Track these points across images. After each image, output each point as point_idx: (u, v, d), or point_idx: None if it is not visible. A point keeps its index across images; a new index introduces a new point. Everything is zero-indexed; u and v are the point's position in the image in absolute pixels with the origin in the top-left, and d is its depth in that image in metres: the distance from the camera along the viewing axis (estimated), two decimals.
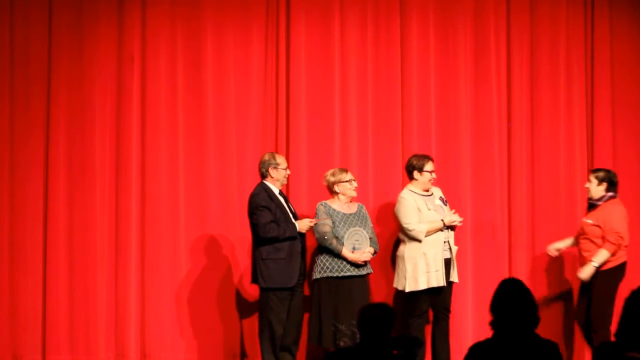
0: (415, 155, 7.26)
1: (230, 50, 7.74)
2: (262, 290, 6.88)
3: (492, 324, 4.16)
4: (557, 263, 7.95)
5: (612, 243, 6.92)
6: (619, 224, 6.97)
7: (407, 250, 7.09)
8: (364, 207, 7.28)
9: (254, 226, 6.87)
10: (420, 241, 7.01)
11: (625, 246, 7.05)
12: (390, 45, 7.89)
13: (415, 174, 7.15)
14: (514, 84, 8.02)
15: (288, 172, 7.05)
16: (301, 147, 7.71)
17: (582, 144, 8.06)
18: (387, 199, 7.77)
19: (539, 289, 7.92)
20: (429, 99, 7.91)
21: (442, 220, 7.06)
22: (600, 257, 6.92)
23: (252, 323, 7.59)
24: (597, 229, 7.00)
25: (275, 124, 7.77)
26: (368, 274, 7.14)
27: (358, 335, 6.78)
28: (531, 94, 8.02)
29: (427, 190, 7.22)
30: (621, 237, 6.95)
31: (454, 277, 7.14)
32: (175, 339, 7.55)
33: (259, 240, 6.84)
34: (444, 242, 7.07)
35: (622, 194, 8.04)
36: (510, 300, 4.14)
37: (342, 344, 6.89)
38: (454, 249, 7.16)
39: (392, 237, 7.71)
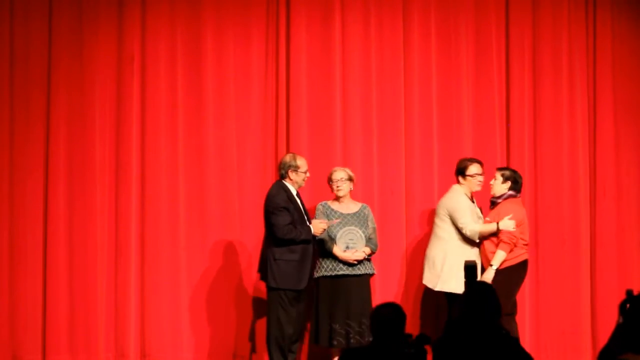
0: (462, 159, 7.22)
1: (230, 50, 7.73)
2: (272, 289, 6.83)
3: (455, 322, 4.26)
4: (560, 263, 7.95)
5: (506, 242, 6.85)
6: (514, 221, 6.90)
7: (448, 251, 7.04)
8: (368, 207, 7.25)
9: (271, 226, 6.80)
10: (474, 242, 7.01)
11: (526, 244, 6.99)
12: (392, 43, 7.87)
13: (460, 178, 7.13)
14: (516, 83, 8.01)
15: (308, 175, 6.97)
16: (302, 147, 7.68)
17: (584, 142, 8.04)
18: (393, 198, 7.77)
19: (542, 289, 7.91)
20: (431, 98, 7.90)
21: (497, 223, 6.97)
22: (497, 259, 6.86)
23: (251, 323, 7.59)
24: None
25: (276, 124, 7.76)
26: (368, 274, 7.11)
27: (352, 335, 6.86)
28: (533, 93, 8.01)
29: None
30: (514, 236, 6.87)
31: None
32: (175, 339, 7.55)
33: (275, 240, 6.79)
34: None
35: (624, 194, 8.05)
36: (477, 304, 4.22)
37: (335, 343, 6.88)
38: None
39: (396, 237, 7.70)
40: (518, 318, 7.85)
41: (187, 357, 7.54)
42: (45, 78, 7.56)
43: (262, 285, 7.43)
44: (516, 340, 4.25)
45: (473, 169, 7.10)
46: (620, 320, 4.15)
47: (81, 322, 7.46)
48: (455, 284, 6.93)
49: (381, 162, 7.82)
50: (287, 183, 6.89)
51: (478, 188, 7.15)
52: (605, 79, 8.08)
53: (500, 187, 7.04)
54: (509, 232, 6.86)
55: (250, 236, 7.61)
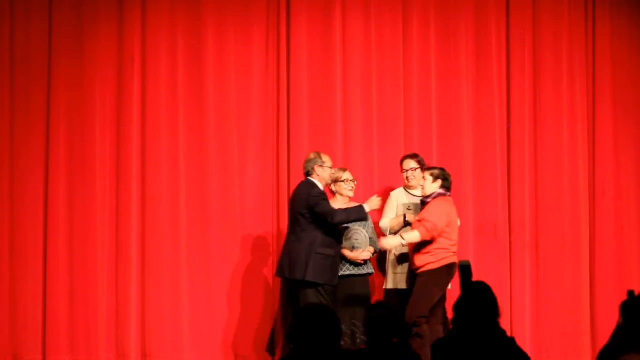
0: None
1: (231, 48, 7.73)
2: (309, 285, 6.72)
3: (453, 322, 4.27)
4: (560, 263, 7.95)
5: (426, 229, 6.71)
6: (437, 217, 6.75)
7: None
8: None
9: (320, 216, 6.70)
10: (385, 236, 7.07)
11: (453, 245, 6.84)
12: (392, 43, 7.89)
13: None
14: (516, 83, 8.02)
15: (333, 171, 6.98)
16: (303, 145, 7.70)
17: (584, 142, 8.05)
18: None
19: (542, 289, 7.92)
20: (430, 98, 7.92)
21: (404, 215, 7.10)
22: (410, 235, 6.72)
23: (253, 323, 7.59)
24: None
25: (277, 122, 7.76)
26: (369, 274, 7.12)
27: (357, 335, 6.85)
28: (533, 93, 8.03)
29: (411, 188, 7.20)
30: (435, 229, 6.73)
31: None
32: (176, 339, 7.54)
33: (328, 228, 6.71)
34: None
35: (623, 194, 8.07)
36: (474, 305, 4.25)
37: (342, 343, 6.87)
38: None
39: None
40: (518, 318, 7.86)
41: (188, 357, 7.53)
42: (45, 77, 7.55)
43: (264, 284, 7.46)
44: (512, 338, 4.25)
45: (404, 164, 7.20)
46: (621, 321, 4.16)
47: (81, 322, 7.45)
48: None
49: (381, 161, 7.82)
50: (315, 180, 6.88)
51: (407, 182, 7.20)
52: (605, 79, 8.10)
53: (431, 186, 6.91)
54: (433, 223, 6.72)
55: (252, 235, 7.62)
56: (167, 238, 7.58)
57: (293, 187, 7.61)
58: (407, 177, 7.21)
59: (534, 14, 8.04)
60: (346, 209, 6.80)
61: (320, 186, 6.85)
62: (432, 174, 6.92)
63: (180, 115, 7.66)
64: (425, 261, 6.77)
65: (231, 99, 7.72)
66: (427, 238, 6.73)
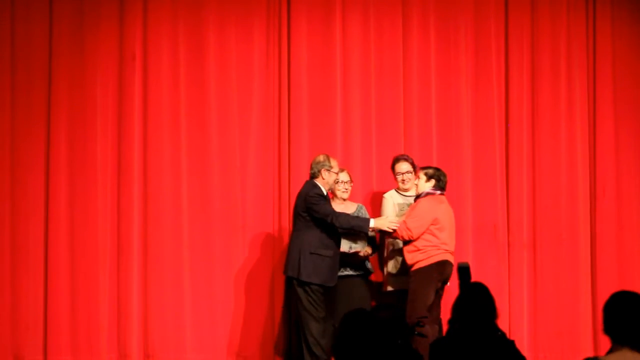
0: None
1: (232, 46, 7.74)
2: (298, 283, 6.71)
3: (450, 323, 4.29)
4: (558, 263, 7.95)
5: (401, 229, 6.70)
6: (420, 217, 6.73)
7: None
8: (364, 207, 7.26)
9: (316, 216, 6.69)
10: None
11: (444, 243, 6.77)
12: (391, 44, 7.90)
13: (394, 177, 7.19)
14: (515, 83, 8.02)
15: (339, 177, 6.96)
16: (303, 144, 7.72)
17: (583, 142, 8.05)
18: None
19: (540, 290, 7.91)
20: (430, 98, 7.92)
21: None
22: (382, 221, 6.76)
23: (255, 322, 7.60)
24: None
25: (278, 121, 7.77)
26: (367, 273, 7.12)
27: None
28: (532, 92, 8.03)
29: (406, 190, 7.19)
30: (408, 231, 6.70)
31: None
32: (178, 339, 7.54)
33: (328, 229, 6.70)
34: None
35: (624, 193, 8.06)
36: (472, 305, 4.26)
37: None
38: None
39: None
40: (516, 318, 7.85)
41: (190, 357, 7.53)
42: (46, 76, 7.56)
43: (266, 284, 7.47)
44: (512, 341, 4.26)
45: (397, 167, 7.16)
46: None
47: (83, 322, 7.45)
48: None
49: (380, 160, 7.82)
50: (318, 183, 6.86)
51: (402, 185, 7.15)
52: (606, 79, 8.10)
53: (424, 185, 6.92)
54: (406, 226, 6.70)
55: (253, 234, 7.63)
56: (169, 237, 7.58)
57: (293, 185, 7.65)
58: (402, 180, 7.18)
59: (532, 14, 8.04)
60: (351, 217, 6.78)
61: (323, 189, 6.84)
62: (426, 173, 6.93)
63: (181, 113, 7.67)
64: (415, 259, 6.78)
65: (232, 97, 7.73)
66: (400, 238, 6.80)
